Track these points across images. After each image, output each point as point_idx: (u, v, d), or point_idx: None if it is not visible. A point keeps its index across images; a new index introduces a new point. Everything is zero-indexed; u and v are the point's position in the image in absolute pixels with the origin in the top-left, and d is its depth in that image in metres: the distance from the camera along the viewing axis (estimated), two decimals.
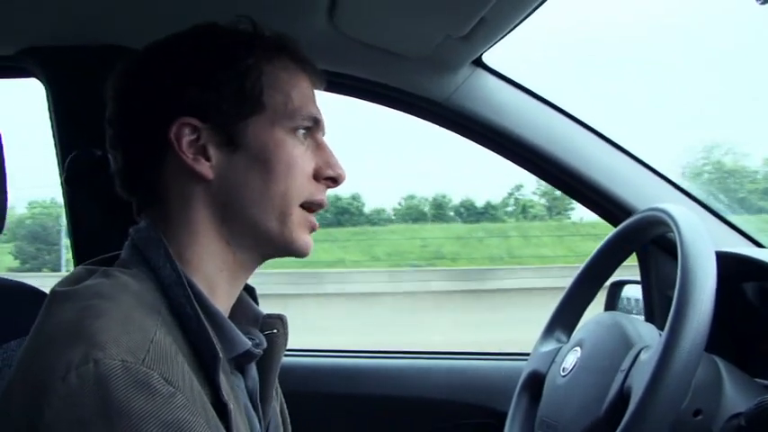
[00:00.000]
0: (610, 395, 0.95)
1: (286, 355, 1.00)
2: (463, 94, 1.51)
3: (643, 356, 0.95)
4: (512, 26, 1.29)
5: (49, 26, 1.42)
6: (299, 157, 0.89)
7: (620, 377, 0.96)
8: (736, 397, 0.97)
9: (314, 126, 0.92)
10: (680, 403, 0.87)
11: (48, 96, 1.52)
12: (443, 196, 15.41)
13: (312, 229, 0.92)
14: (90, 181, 1.45)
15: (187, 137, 0.86)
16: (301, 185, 0.89)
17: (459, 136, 1.56)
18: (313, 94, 0.94)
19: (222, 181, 0.87)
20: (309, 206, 0.91)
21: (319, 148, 0.93)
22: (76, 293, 0.77)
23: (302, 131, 0.90)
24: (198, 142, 0.86)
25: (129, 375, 0.68)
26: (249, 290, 1.00)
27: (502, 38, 1.35)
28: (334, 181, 0.93)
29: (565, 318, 1.25)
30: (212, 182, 0.87)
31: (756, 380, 1.05)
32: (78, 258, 1.56)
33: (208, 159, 0.86)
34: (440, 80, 1.49)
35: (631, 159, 1.53)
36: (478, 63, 1.49)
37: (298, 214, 0.90)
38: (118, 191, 0.92)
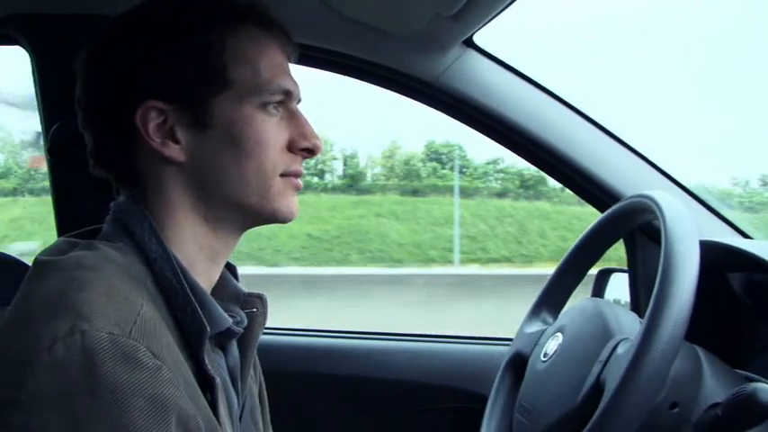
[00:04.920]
0: (585, 386, 0.94)
1: (267, 333, 0.99)
2: (453, 74, 1.48)
3: (620, 350, 0.94)
4: (502, 6, 1.27)
5: None
6: (271, 132, 0.87)
7: (596, 369, 0.95)
8: (715, 388, 0.96)
9: (286, 98, 0.89)
10: (654, 397, 0.86)
11: (32, 65, 1.49)
12: None
13: (296, 189, 0.91)
14: (74, 152, 1.43)
15: (154, 121, 0.83)
16: (275, 159, 0.87)
17: (449, 117, 1.55)
18: (284, 63, 0.91)
19: (195, 162, 0.85)
20: (288, 176, 0.89)
21: (293, 118, 0.90)
22: (60, 264, 0.76)
23: (273, 105, 0.87)
24: (165, 125, 0.84)
25: (116, 348, 0.67)
26: (230, 268, 0.98)
27: (493, 18, 1.32)
28: (310, 152, 0.91)
29: (551, 299, 1.24)
30: (185, 164, 0.85)
31: (737, 371, 1.05)
32: (62, 231, 1.54)
33: (177, 142, 0.84)
34: (430, 60, 1.47)
35: (621, 146, 1.51)
36: (469, 43, 1.46)
37: (278, 185, 0.88)
38: (92, 170, 0.89)
